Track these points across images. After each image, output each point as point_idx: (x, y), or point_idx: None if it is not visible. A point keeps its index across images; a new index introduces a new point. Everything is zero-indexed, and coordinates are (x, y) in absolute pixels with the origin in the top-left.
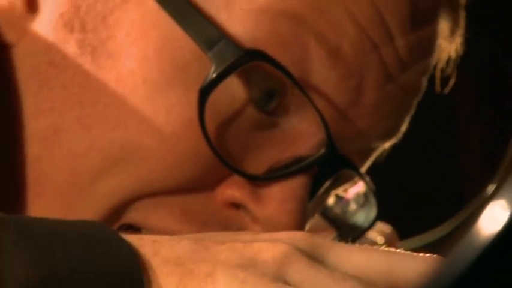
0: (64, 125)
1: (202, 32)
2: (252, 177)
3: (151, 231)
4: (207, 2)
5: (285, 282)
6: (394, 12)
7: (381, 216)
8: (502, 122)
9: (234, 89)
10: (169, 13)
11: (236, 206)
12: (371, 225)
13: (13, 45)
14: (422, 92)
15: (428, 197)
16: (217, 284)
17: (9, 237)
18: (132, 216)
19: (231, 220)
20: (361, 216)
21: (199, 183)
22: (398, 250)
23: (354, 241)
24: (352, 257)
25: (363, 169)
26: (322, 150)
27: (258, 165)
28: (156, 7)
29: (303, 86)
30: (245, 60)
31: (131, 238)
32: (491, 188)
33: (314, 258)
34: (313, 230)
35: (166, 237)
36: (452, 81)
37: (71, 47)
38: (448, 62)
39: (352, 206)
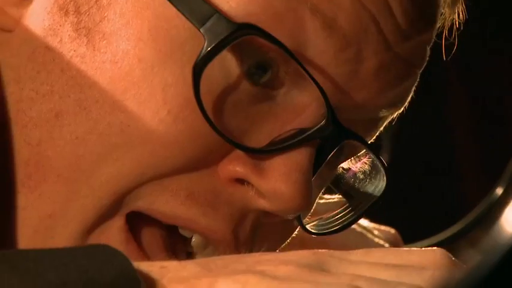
0: (64, 108)
1: (194, 8)
2: (253, 150)
3: (159, 216)
4: None
5: None
6: None
7: (385, 222)
8: (500, 128)
9: (228, 64)
10: None
11: (240, 181)
12: (382, 194)
13: (10, 30)
14: (425, 62)
15: (431, 203)
16: None
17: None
18: (138, 204)
19: (236, 197)
20: (371, 187)
21: (202, 163)
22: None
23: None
24: (358, 269)
25: (371, 140)
26: (323, 122)
27: (259, 139)
28: None
29: (299, 58)
30: (238, 35)
31: (141, 265)
32: (499, 191)
33: (321, 270)
34: (314, 214)
35: (174, 263)
36: (454, 49)
37: (66, 30)
38: (452, 29)
39: (361, 177)
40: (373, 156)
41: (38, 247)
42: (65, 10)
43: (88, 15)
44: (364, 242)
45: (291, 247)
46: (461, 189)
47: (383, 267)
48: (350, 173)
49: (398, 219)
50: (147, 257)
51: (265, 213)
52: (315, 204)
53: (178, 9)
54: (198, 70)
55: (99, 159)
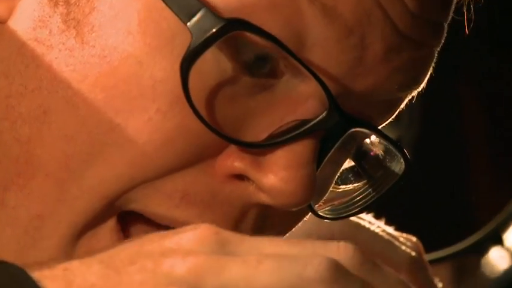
0: (52, 104)
1: (181, 2)
2: (250, 144)
3: (154, 217)
4: None
5: None
6: None
7: (405, 230)
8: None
9: (222, 57)
10: None
11: (239, 177)
12: (403, 175)
13: (2, 22)
14: (442, 39)
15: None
16: None
17: None
18: (131, 206)
19: (235, 194)
20: (389, 169)
21: (196, 161)
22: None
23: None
24: (262, 247)
25: (390, 118)
26: (325, 112)
27: (257, 132)
28: None
29: (297, 48)
30: (226, 31)
31: (42, 271)
32: None
33: (225, 254)
34: (329, 201)
35: (76, 263)
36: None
37: (55, 22)
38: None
39: (378, 159)
40: (385, 142)
41: (27, 248)
42: (54, 1)
43: (77, 5)
44: (392, 249)
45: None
46: (476, 200)
47: (286, 243)
48: (367, 156)
49: (414, 229)
50: None
51: (268, 206)
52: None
53: (165, 3)
54: (185, 68)
55: (88, 159)
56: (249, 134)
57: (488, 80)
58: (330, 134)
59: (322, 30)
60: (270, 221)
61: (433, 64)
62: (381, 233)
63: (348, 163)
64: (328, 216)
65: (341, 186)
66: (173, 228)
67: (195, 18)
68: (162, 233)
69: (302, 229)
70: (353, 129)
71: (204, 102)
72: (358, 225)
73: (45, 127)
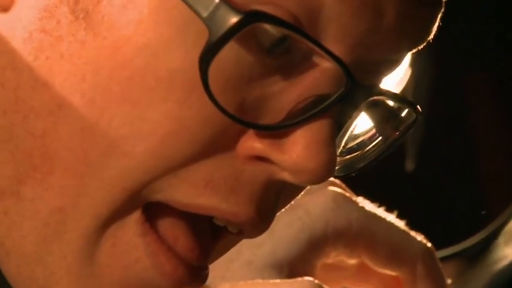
0: (67, 99)
1: None
2: (270, 127)
3: (179, 206)
4: None
5: None
6: None
7: (412, 227)
8: None
9: (236, 46)
10: None
11: (260, 158)
12: (414, 121)
13: (5, 10)
14: None
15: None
16: None
17: None
18: (157, 197)
19: (257, 173)
20: (401, 122)
21: (217, 147)
22: None
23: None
24: None
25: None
26: (343, 88)
27: (276, 113)
28: None
29: (312, 25)
30: (244, 24)
31: None
32: None
33: None
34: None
35: None
36: None
37: (63, 13)
38: None
39: (389, 111)
40: (398, 104)
41: (50, 241)
42: None
43: None
44: (408, 239)
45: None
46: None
47: None
48: (376, 111)
49: (423, 225)
50: (166, 247)
51: (285, 182)
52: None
53: None
54: (204, 63)
55: (107, 151)
56: (268, 116)
57: (499, 71)
58: (347, 105)
59: (337, 6)
60: (282, 196)
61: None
62: (397, 224)
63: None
64: (339, 174)
65: (351, 143)
66: (199, 214)
67: (211, 12)
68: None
69: (320, 219)
70: (370, 99)
71: (222, 90)
72: (374, 215)
73: (61, 121)
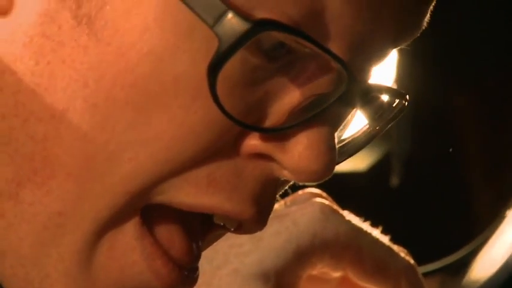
0: (69, 104)
1: (204, 5)
2: (273, 130)
3: (181, 207)
4: None
5: None
6: None
7: (396, 241)
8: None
9: (242, 53)
10: None
11: (262, 156)
12: (403, 107)
13: (5, 13)
14: None
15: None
16: None
17: None
18: (158, 199)
19: (258, 170)
20: (388, 109)
21: (219, 146)
22: None
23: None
24: None
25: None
26: (343, 87)
27: (279, 113)
28: None
29: (315, 28)
30: (253, 33)
31: None
32: (509, 213)
33: None
34: None
35: None
36: None
37: (65, 18)
38: None
39: (377, 103)
40: (390, 96)
41: (48, 244)
42: None
43: (88, 0)
44: (391, 255)
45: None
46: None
47: None
48: (368, 101)
49: (406, 240)
50: (162, 251)
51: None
52: None
53: (187, 5)
54: (213, 73)
55: (110, 157)
56: (271, 116)
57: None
58: (346, 103)
59: (338, 8)
60: (279, 190)
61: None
62: (382, 239)
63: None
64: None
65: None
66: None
67: (219, 20)
68: None
69: (308, 230)
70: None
71: (227, 95)
72: (361, 229)
73: (63, 126)
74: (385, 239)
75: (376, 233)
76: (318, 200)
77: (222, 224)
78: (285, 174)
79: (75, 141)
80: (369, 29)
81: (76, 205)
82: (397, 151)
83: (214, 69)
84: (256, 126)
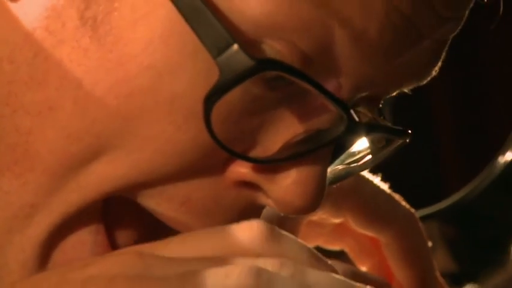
0: (59, 102)
1: (211, 34)
2: (264, 161)
3: (150, 211)
4: None
5: None
6: None
7: None
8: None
9: (243, 86)
10: (176, 6)
11: (247, 184)
12: (404, 142)
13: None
14: (458, 28)
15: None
16: None
17: None
18: (129, 196)
19: (239, 199)
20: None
21: (205, 168)
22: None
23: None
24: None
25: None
26: (342, 128)
27: (271, 144)
28: None
29: (321, 63)
30: (256, 72)
31: None
32: (501, 159)
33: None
34: None
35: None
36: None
37: (70, 16)
38: None
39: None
40: (393, 135)
41: (14, 232)
42: None
43: (97, 3)
44: (392, 203)
45: None
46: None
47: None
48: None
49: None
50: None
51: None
52: None
53: (194, 30)
54: (210, 102)
55: (92, 158)
56: (265, 145)
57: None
58: (344, 142)
59: (347, 51)
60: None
61: None
62: (382, 187)
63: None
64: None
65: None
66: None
67: (224, 53)
68: (85, 261)
69: None
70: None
71: (222, 121)
72: (363, 177)
73: (49, 123)
74: (385, 187)
75: (377, 181)
76: None
77: None
78: (269, 203)
79: (58, 140)
80: (377, 73)
81: (48, 199)
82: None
83: (211, 99)
84: (244, 156)
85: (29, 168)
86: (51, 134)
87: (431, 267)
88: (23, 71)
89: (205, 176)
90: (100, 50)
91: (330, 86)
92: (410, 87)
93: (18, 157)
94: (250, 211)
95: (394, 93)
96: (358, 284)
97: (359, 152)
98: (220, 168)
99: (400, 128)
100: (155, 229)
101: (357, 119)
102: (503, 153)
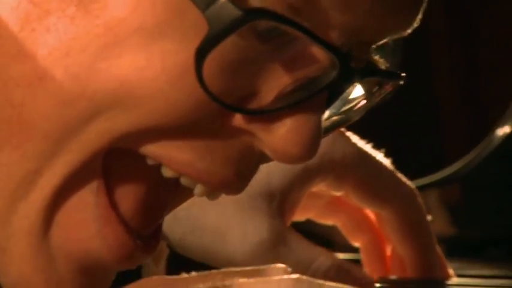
0: (49, 72)
1: None
2: (259, 111)
3: (148, 155)
4: None
5: None
6: None
7: None
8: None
9: (236, 36)
10: None
11: (244, 132)
12: (398, 84)
13: None
14: None
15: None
16: None
17: None
18: (129, 146)
19: (236, 140)
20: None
21: (202, 118)
22: None
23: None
24: None
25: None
26: (335, 73)
27: (267, 94)
28: None
29: (311, 11)
30: (244, 22)
31: None
32: (499, 132)
33: None
34: None
35: None
36: None
37: None
38: None
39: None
40: (387, 78)
41: (18, 200)
42: None
43: None
44: (394, 180)
45: None
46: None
47: None
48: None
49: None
50: (117, 218)
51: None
52: None
53: None
54: (200, 56)
55: (89, 118)
56: (259, 96)
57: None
58: (338, 88)
59: (333, 2)
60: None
61: None
62: (385, 163)
63: None
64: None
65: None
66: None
67: (211, 5)
68: None
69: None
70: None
71: (215, 75)
72: (366, 152)
73: (40, 93)
74: (388, 162)
75: (380, 156)
76: None
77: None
78: (266, 151)
79: (53, 107)
80: (360, 23)
81: (49, 162)
82: None
83: (201, 53)
84: (238, 107)
85: (27, 138)
86: (45, 102)
87: (431, 242)
88: (10, 45)
89: (204, 127)
90: (87, 17)
91: (319, 34)
92: (398, 35)
93: (14, 129)
94: (251, 153)
95: (385, 40)
96: None
97: (353, 100)
98: (218, 120)
99: (394, 71)
100: (156, 190)
101: (349, 64)
102: (503, 124)
